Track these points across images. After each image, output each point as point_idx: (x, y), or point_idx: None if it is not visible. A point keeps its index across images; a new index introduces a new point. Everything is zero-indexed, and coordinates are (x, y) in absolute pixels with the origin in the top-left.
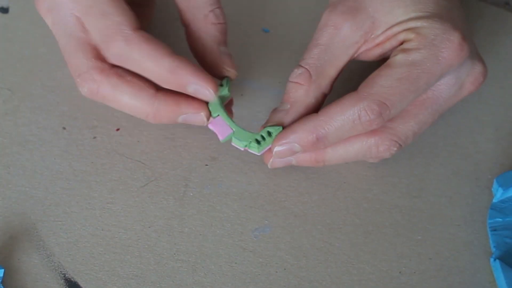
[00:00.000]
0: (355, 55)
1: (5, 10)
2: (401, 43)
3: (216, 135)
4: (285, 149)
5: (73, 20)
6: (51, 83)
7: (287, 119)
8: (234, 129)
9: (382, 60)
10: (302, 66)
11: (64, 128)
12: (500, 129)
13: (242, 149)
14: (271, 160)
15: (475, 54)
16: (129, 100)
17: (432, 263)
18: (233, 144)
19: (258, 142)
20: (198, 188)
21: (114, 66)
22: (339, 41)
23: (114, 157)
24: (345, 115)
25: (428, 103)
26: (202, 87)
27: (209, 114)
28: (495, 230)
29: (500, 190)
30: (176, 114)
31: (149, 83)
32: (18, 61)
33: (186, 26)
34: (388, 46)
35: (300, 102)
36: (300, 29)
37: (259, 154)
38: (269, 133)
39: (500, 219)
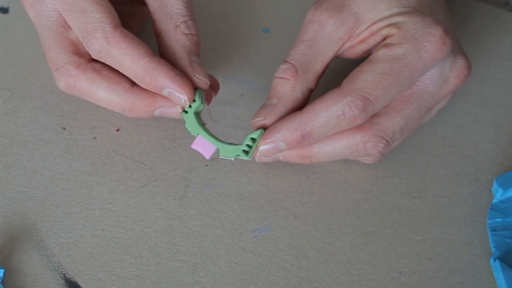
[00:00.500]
0: (340, 52)
1: (5, 10)
2: (384, 39)
3: (202, 155)
4: (271, 147)
5: (55, 14)
6: (51, 84)
7: (275, 114)
8: (217, 146)
9: (367, 57)
10: (288, 62)
11: (64, 129)
12: (500, 129)
13: (233, 159)
14: (258, 154)
15: (458, 49)
16: (105, 94)
17: (432, 263)
18: (222, 156)
19: (245, 152)
20: (198, 188)
21: (91, 61)
22: (324, 37)
23: (114, 157)
24: (329, 111)
25: (414, 98)
26: (177, 92)
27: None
28: (495, 230)
29: (500, 191)
30: (152, 108)
31: (125, 78)
32: (18, 61)
33: (157, 36)
34: (372, 41)
35: (287, 97)
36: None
37: (249, 159)
38: (253, 140)
39: (500, 220)
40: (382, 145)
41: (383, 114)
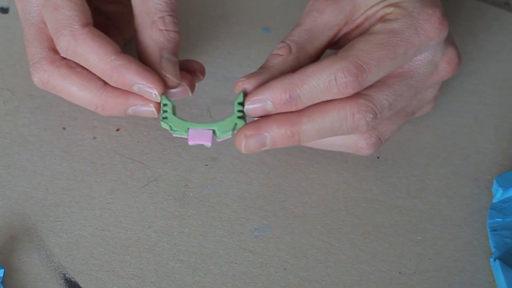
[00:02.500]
0: (336, 38)
1: (5, 10)
2: (380, 19)
3: (203, 145)
4: (257, 107)
5: (37, 10)
6: None
7: (259, 78)
8: (214, 128)
9: None
10: (284, 42)
11: (64, 129)
12: (500, 129)
13: (231, 136)
14: (243, 142)
15: (450, 39)
16: (77, 91)
17: (432, 263)
18: (220, 140)
19: (240, 118)
20: (198, 188)
21: (66, 57)
22: (321, 23)
23: (114, 157)
24: (321, 74)
25: (404, 76)
26: (146, 87)
27: (159, 106)
28: (495, 230)
29: (500, 190)
30: (124, 106)
31: (98, 76)
32: (18, 61)
33: (135, 31)
34: (367, 25)
35: (275, 67)
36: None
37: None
38: (241, 104)
39: (500, 219)
40: (371, 115)
41: (372, 87)
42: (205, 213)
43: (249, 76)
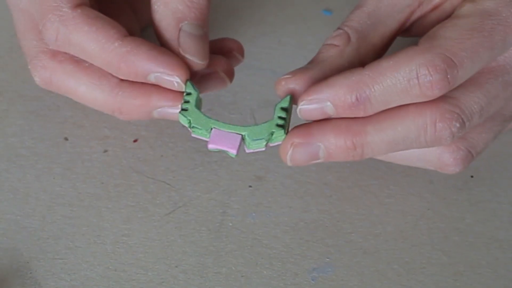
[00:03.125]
0: (408, 23)
1: None
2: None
3: (226, 152)
4: (314, 108)
5: None
6: None
7: (307, 74)
8: (242, 133)
9: None
10: (340, 28)
11: (66, 139)
12: None
13: (264, 148)
14: (290, 151)
15: None
16: (87, 92)
17: None
18: (249, 151)
19: (279, 126)
20: (239, 216)
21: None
22: (388, 4)
23: (131, 176)
24: (399, 71)
25: (498, 71)
26: (165, 75)
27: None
28: None
29: None
30: (147, 108)
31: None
32: (6, 52)
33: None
34: (448, 6)
35: (329, 61)
36: None
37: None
38: (285, 110)
39: None
40: (458, 125)
41: (459, 87)
42: (249, 248)
43: (295, 73)
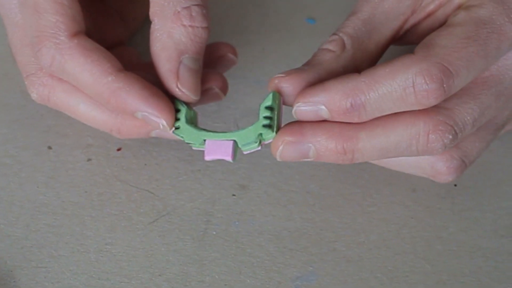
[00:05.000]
0: (401, 31)
1: None
2: (459, 7)
3: (223, 160)
4: (309, 110)
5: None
6: None
7: (301, 75)
8: (233, 139)
9: None
10: (335, 34)
11: (50, 148)
12: None
13: (259, 147)
14: (280, 148)
15: None
16: (87, 111)
17: None
18: (246, 152)
19: (267, 126)
20: (222, 225)
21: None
22: (382, 12)
23: (115, 185)
24: (395, 80)
25: (492, 82)
26: (152, 116)
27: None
28: None
29: None
30: (145, 129)
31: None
32: None
33: (151, 22)
34: (441, 14)
35: (324, 65)
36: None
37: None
38: (270, 109)
39: None
40: (450, 137)
41: (453, 97)
42: (232, 257)
43: (289, 73)
